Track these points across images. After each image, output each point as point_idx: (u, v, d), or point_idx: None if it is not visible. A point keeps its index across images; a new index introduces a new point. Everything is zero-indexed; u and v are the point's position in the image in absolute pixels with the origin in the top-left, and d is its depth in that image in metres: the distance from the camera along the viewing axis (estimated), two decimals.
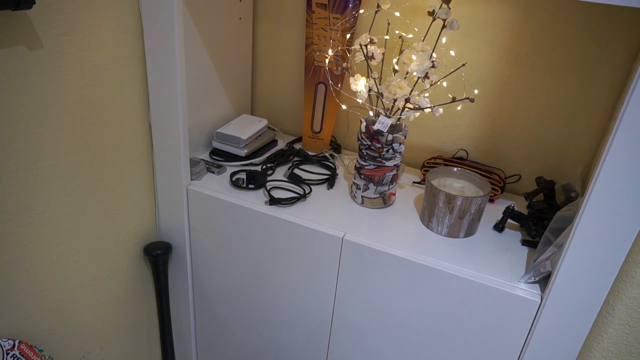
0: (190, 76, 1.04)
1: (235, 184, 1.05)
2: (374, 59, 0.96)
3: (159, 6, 0.89)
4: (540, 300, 0.82)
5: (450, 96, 0.89)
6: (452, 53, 0.90)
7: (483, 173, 1.10)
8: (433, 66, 0.85)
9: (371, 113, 0.98)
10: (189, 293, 1.18)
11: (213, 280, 1.14)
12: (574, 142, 1.04)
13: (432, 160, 1.14)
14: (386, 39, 0.96)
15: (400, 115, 0.94)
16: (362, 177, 1.01)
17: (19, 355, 0.82)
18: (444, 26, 0.82)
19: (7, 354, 0.80)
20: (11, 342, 0.81)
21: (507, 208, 0.97)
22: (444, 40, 0.91)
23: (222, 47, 1.12)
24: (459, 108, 1.06)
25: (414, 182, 1.14)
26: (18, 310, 0.85)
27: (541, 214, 1.01)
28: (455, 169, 1.00)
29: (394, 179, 1.01)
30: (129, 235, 1.06)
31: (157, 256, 1.09)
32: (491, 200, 1.09)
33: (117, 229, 1.03)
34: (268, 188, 1.05)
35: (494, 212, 1.05)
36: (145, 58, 0.95)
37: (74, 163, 0.88)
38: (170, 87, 0.96)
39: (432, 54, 0.84)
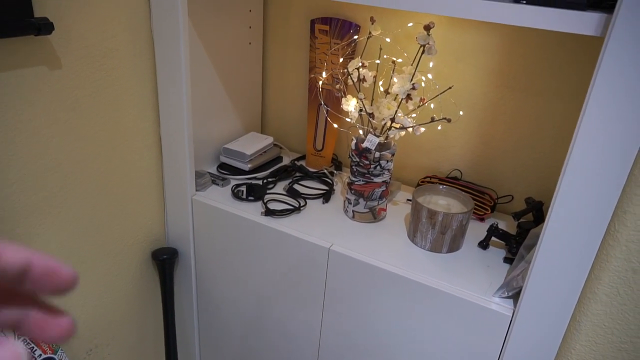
0: (200, 96, 1.13)
1: (236, 195, 1.13)
2: (365, 81, 1.02)
3: (168, 34, 1.00)
4: (511, 315, 0.84)
5: (434, 116, 0.94)
6: (430, 76, 0.96)
7: (475, 193, 1.13)
8: (413, 88, 0.91)
9: (361, 132, 1.04)
10: (193, 296, 1.26)
11: (215, 284, 1.21)
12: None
13: (427, 179, 1.18)
14: (377, 63, 1.02)
15: (387, 134, 1.00)
16: (352, 192, 1.06)
17: (28, 341, 0.91)
18: (423, 51, 0.88)
19: (18, 337, 0.90)
20: None
21: (491, 226, 1.00)
22: (430, 64, 0.96)
23: (233, 70, 1.22)
24: (439, 128, 1.11)
25: (407, 200, 1.18)
26: None
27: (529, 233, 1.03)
28: (441, 186, 1.04)
29: (383, 195, 1.06)
30: (138, 240, 1.16)
31: (164, 260, 1.18)
32: (481, 219, 1.12)
33: (126, 233, 1.12)
34: (266, 200, 1.13)
35: (484, 230, 1.08)
36: (157, 78, 1.06)
37: (88, 170, 0.98)
38: (177, 106, 1.05)
39: (412, 77, 0.90)
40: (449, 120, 0.89)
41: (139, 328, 1.24)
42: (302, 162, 1.33)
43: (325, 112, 1.20)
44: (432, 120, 0.92)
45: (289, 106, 1.36)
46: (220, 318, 1.25)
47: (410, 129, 0.95)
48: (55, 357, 0.96)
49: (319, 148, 1.28)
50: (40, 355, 0.93)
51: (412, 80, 0.91)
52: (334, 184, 1.23)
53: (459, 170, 1.19)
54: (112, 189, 1.05)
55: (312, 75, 1.17)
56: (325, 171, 1.25)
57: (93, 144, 0.98)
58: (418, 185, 1.19)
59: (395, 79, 0.91)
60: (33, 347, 0.92)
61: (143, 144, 1.09)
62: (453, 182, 1.16)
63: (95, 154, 0.99)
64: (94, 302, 1.09)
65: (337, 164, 1.30)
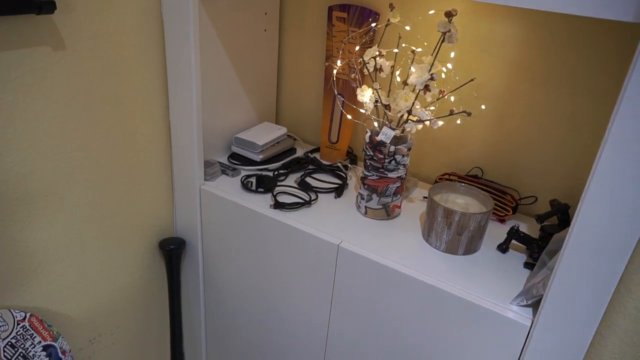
0: (213, 83, 1.10)
1: (245, 186, 1.09)
2: (382, 71, 0.97)
3: (177, 17, 0.96)
4: (530, 325, 0.78)
5: (454, 109, 0.89)
6: (450, 66, 0.90)
7: (496, 192, 1.07)
8: (432, 78, 0.85)
9: (376, 124, 0.99)
10: (200, 287, 1.23)
11: (222, 276, 1.18)
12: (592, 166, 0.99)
13: (445, 177, 1.12)
14: (396, 52, 0.97)
15: (404, 127, 0.94)
16: (365, 187, 1.01)
17: (28, 327, 0.90)
18: (443, 39, 0.82)
19: (18, 324, 0.88)
20: (23, 314, 0.89)
21: (512, 229, 0.94)
22: (452, 54, 0.90)
23: (247, 57, 1.18)
24: (458, 122, 1.05)
25: (424, 197, 1.13)
26: (33, 286, 0.93)
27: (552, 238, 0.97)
28: (460, 184, 0.98)
29: (397, 191, 1.01)
30: (145, 229, 1.13)
31: (171, 250, 1.16)
32: (502, 221, 1.05)
33: (133, 222, 1.10)
34: (276, 193, 1.09)
35: (504, 232, 1.02)
36: (166, 63, 1.03)
37: (94, 155, 0.96)
38: (187, 93, 1.02)
39: (431, 67, 0.85)
40: (469, 114, 0.83)
41: (144, 318, 1.22)
42: (316, 155, 1.28)
43: (340, 103, 1.15)
44: (451, 113, 0.86)
45: (304, 96, 1.32)
46: (227, 310, 1.22)
47: (427, 122, 0.90)
48: (56, 344, 0.94)
49: (334, 140, 1.23)
50: (40, 342, 0.91)
51: (430, 70, 0.85)
52: (348, 178, 1.18)
53: (480, 168, 1.12)
54: (118, 175, 1.03)
55: (327, 64, 1.12)
56: (339, 164, 1.20)
57: (98, 128, 0.95)
58: (436, 182, 1.13)
59: (413, 69, 0.85)
60: (33, 334, 0.90)
61: (151, 130, 1.07)
62: (473, 180, 1.10)
63: (101, 138, 0.96)
64: (99, 289, 1.07)
65: (352, 158, 1.25)
